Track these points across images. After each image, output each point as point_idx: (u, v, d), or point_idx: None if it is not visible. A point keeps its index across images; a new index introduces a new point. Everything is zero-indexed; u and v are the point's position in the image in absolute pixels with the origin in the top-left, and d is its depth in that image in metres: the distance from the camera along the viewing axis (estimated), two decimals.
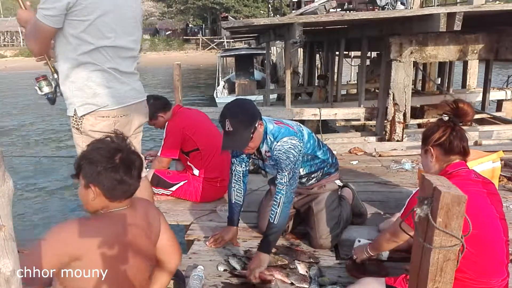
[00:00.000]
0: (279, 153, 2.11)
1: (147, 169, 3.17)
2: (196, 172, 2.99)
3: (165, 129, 2.98)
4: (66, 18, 1.70)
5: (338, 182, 2.51)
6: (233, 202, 2.34)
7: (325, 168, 2.41)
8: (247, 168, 2.37)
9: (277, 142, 2.11)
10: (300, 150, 2.13)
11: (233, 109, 2.03)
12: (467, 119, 1.67)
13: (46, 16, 1.67)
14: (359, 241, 2.10)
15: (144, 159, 3.42)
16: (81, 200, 1.36)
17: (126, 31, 1.85)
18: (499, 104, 7.18)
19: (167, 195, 3.01)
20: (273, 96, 10.65)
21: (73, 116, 1.80)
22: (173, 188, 2.98)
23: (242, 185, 2.35)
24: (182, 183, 2.98)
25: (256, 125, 2.03)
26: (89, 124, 1.79)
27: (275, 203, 2.10)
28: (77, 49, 1.74)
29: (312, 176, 2.36)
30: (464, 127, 1.69)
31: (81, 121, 1.78)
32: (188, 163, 3.03)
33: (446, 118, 1.67)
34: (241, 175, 2.34)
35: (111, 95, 1.81)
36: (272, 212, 2.10)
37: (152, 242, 1.44)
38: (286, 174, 2.11)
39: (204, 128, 3.07)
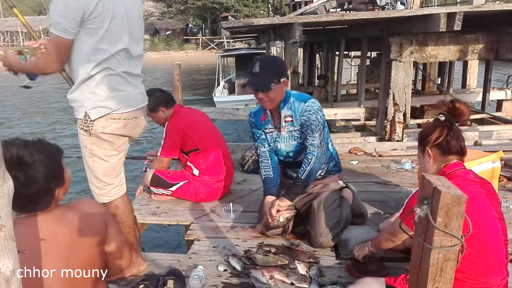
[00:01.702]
0: (309, 114, 2.24)
1: (148, 169, 3.18)
2: (196, 172, 2.99)
3: (165, 128, 2.98)
4: (83, 26, 1.67)
5: (341, 183, 2.54)
6: (263, 178, 2.42)
7: (331, 164, 2.46)
8: (271, 148, 2.45)
9: (305, 102, 2.25)
10: (324, 114, 2.29)
11: (267, 57, 2.32)
12: (463, 118, 1.67)
13: (66, 30, 1.63)
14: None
15: (145, 159, 3.43)
16: None
17: (134, 32, 1.84)
18: (499, 104, 7.17)
19: (167, 195, 3.01)
20: None
21: (82, 119, 1.79)
22: (173, 188, 2.98)
23: (270, 161, 2.42)
24: (182, 183, 2.97)
25: (281, 79, 2.18)
26: (101, 126, 1.79)
27: (306, 162, 2.24)
28: (92, 59, 1.72)
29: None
30: (464, 127, 1.69)
31: (92, 124, 1.78)
32: (188, 163, 3.03)
33: (442, 118, 1.67)
34: (267, 154, 2.44)
35: (123, 98, 1.82)
36: (302, 169, 2.25)
37: (65, 251, 1.32)
38: (317, 135, 2.24)
39: (204, 128, 3.07)
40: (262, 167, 2.44)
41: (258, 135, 2.46)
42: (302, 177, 2.24)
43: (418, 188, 1.65)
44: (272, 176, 2.40)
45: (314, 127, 2.23)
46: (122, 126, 1.84)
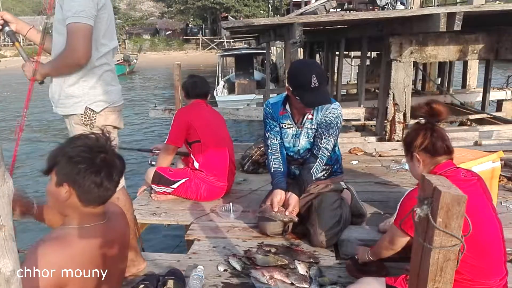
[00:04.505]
0: (332, 116, 2.25)
1: (153, 163, 3.29)
2: (196, 164, 3.01)
3: (174, 116, 3.11)
4: None
5: (342, 184, 2.57)
6: (273, 170, 2.40)
7: (335, 166, 2.48)
8: (282, 142, 2.45)
9: (331, 103, 2.25)
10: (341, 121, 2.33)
11: (315, 65, 2.23)
12: (442, 118, 1.67)
13: (89, 17, 1.67)
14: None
15: (151, 152, 3.50)
16: (49, 199, 1.23)
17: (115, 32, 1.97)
18: (499, 104, 7.16)
19: (169, 192, 3.01)
20: (273, 96, 10.63)
21: (83, 113, 1.83)
22: (175, 186, 2.98)
23: (280, 155, 2.42)
24: (183, 180, 2.98)
25: None
26: (103, 119, 1.87)
27: (319, 164, 2.30)
28: (99, 50, 1.80)
29: (324, 168, 2.42)
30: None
31: (95, 117, 1.85)
32: (191, 155, 3.07)
33: (422, 120, 1.68)
34: (278, 147, 2.43)
35: (115, 93, 1.93)
36: (317, 170, 2.32)
37: (124, 252, 1.42)
38: (332, 140, 2.27)
39: (211, 124, 3.09)
40: (272, 159, 2.42)
41: (272, 126, 2.44)
42: (313, 179, 2.32)
43: (408, 191, 1.66)
44: (282, 169, 2.40)
45: (332, 131, 2.27)
46: (118, 118, 1.96)
